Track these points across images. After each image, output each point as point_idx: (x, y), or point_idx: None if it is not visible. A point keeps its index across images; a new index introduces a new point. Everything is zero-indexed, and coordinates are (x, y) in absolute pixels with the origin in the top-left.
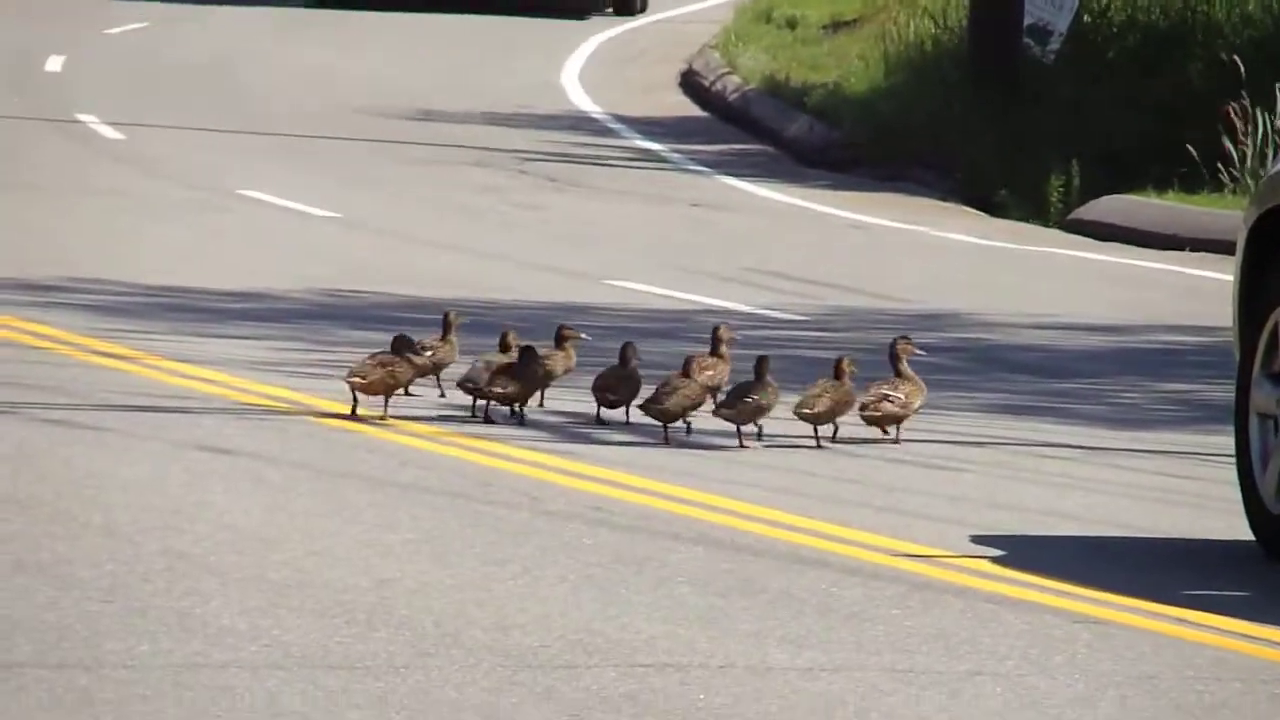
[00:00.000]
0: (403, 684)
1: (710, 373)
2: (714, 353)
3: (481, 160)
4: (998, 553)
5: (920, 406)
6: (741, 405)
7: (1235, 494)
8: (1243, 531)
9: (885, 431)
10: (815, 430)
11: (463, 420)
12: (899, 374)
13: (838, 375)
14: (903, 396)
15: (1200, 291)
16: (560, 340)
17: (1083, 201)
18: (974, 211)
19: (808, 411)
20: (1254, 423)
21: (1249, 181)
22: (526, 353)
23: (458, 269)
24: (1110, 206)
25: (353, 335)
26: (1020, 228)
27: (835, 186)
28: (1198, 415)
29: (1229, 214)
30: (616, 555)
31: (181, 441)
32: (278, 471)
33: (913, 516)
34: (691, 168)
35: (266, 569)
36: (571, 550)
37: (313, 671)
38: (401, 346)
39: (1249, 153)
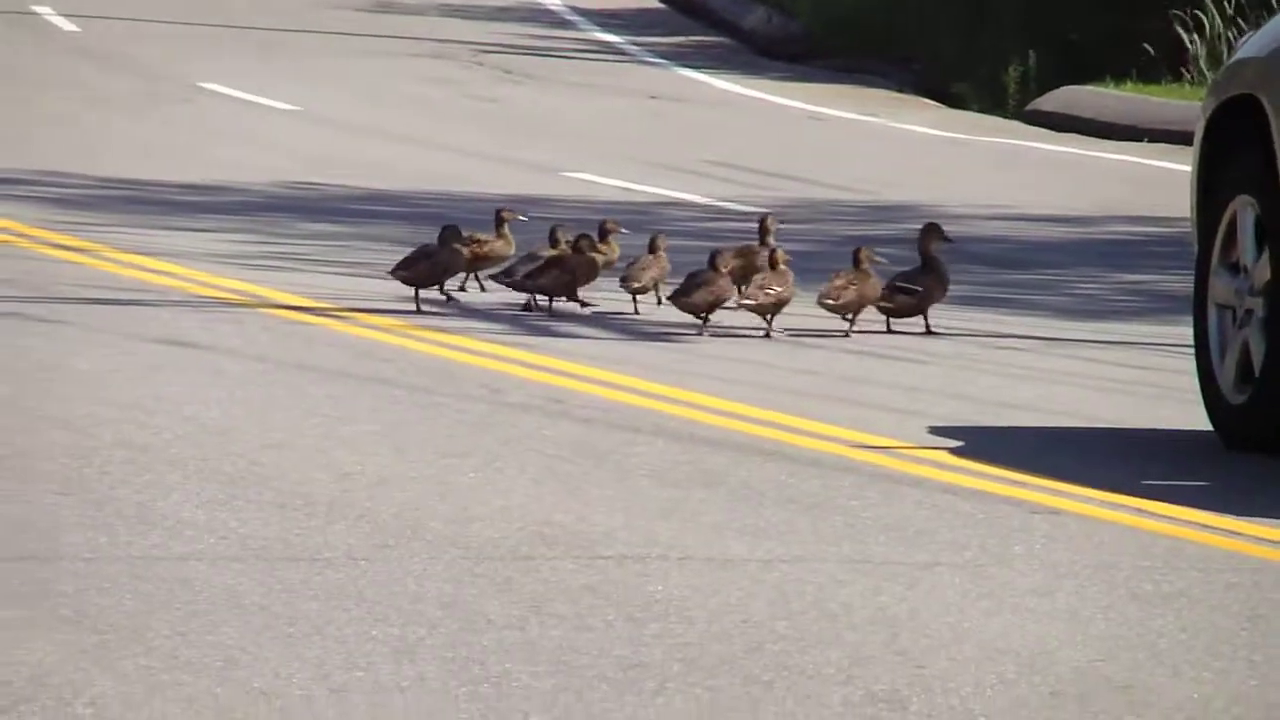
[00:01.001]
0: (362, 576)
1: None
2: (761, 243)
3: (438, 52)
4: (956, 444)
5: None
6: (763, 297)
7: (1194, 384)
8: (1201, 422)
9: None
10: (850, 320)
11: (421, 313)
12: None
13: (856, 264)
14: (921, 289)
15: (1158, 182)
16: (603, 234)
17: (1040, 92)
18: (931, 103)
19: (832, 302)
20: (1212, 313)
21: (1206, 72)
22: (580, 241)
23: (415, 161)
24: (1068, 97)
25: (311, 228)
26: (978, 119)
27: (792, 78)
28: (1156, 306)
29: (1187, 104)
30: (576, 447)
31: (138, 334)
32: (236, 364)
33: (871, 408)
34: (649, 60)
35: (225, 461)
36: (531, 442)
37: (271, 563)
38: (450, 238)
39: (1207, 44)
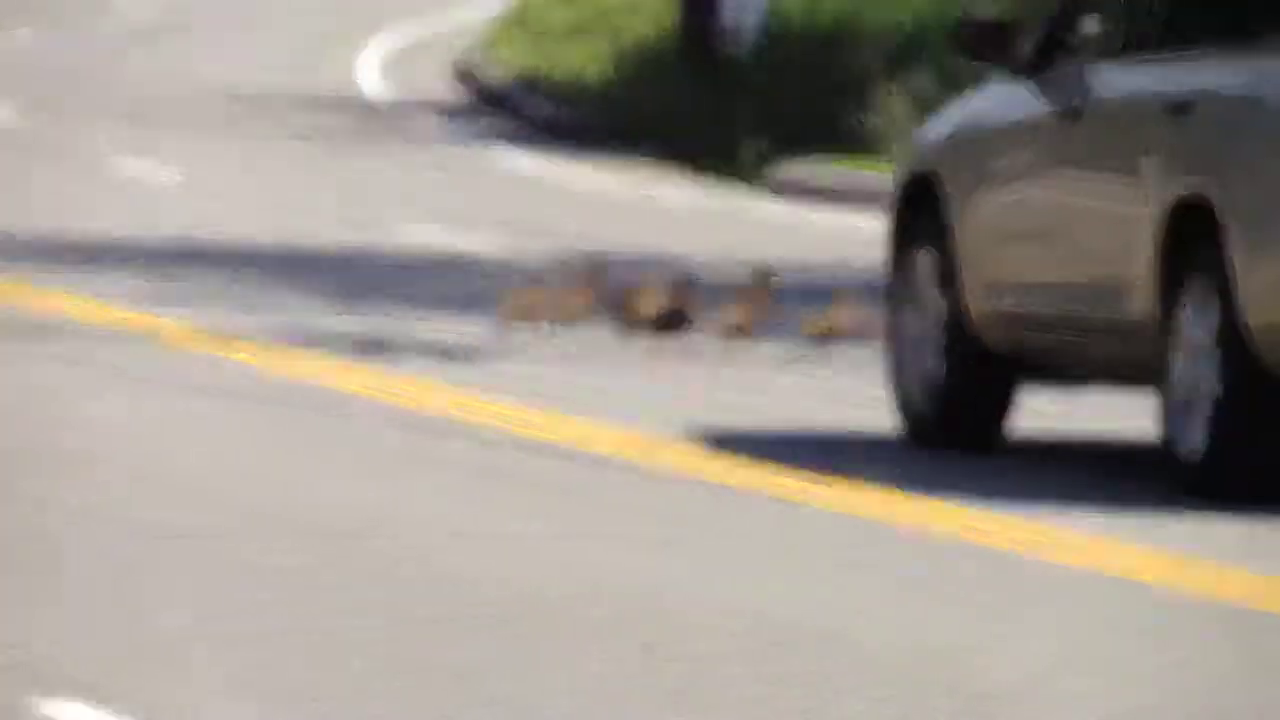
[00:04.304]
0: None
1: None
2: None
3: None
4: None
5: None
6: None
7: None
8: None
9: None
10: None
11: None
12: None
13: None
14: None
15: (864, 239)
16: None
17: (772, 165)
18: (684, 174)
19: None
20: (902, 341)
21: (895, 147)
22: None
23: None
24: (796, 170)
25: None
26: (721, 187)
27: (574, 157)
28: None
29: (888, 175)
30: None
31: None
32: None
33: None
34: (462, 140)
35: None
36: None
37: None
38: None
39: (897, 125)
